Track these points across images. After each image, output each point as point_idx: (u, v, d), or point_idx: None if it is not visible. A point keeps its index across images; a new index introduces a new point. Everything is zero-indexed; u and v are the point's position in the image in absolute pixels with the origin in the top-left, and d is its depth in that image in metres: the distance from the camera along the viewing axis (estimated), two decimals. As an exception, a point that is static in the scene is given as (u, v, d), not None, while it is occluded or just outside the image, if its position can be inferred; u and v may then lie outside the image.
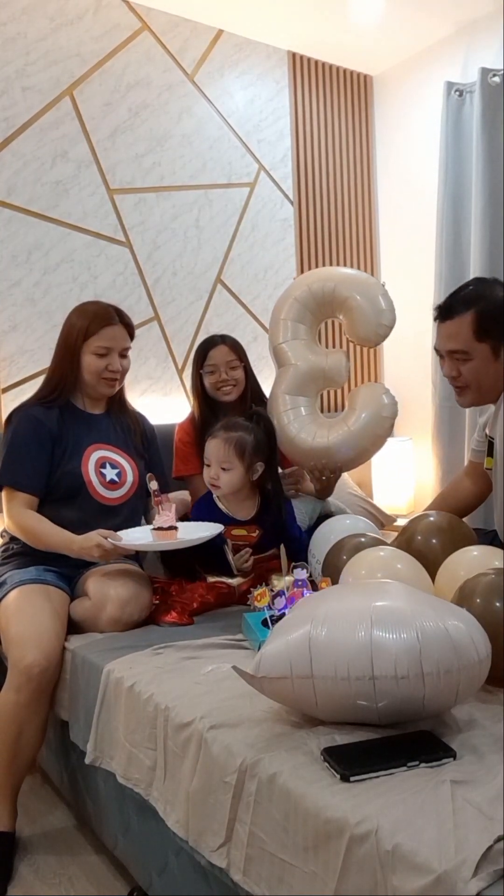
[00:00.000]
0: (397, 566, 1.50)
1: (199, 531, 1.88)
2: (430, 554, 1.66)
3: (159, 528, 1.84)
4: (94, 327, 1.98)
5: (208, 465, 1.97)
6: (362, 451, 2.30)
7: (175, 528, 1.84)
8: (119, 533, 1.87)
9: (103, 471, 2.00)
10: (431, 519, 1.80)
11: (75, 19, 2.75)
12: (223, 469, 1.93)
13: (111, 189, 2.85)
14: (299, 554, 2.02)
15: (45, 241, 2.70)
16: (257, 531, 2.00)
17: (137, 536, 1.91)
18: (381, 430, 2.29)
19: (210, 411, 2.35)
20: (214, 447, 1.94)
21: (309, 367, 2.31)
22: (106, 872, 1.66)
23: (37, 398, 2.03)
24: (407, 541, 1.76)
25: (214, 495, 2.02)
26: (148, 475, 1.94)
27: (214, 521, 1.96)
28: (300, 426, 2.29)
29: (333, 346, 3.41)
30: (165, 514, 1.85)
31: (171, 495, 2.08)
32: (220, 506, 2.02)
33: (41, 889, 1.60)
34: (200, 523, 1.95)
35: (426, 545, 1.71)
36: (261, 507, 2.03)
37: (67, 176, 2.74)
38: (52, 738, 1.84)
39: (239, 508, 2.01)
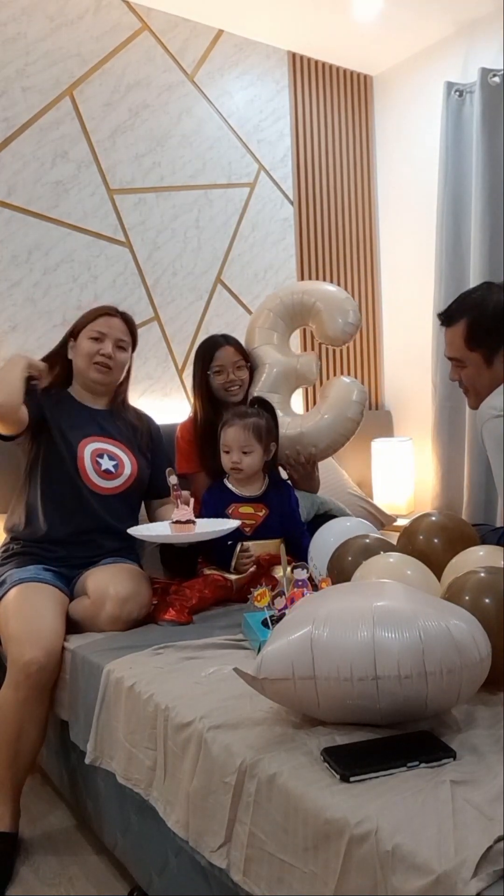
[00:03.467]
0: (407, 572, 1.50)
1: (216, 526, 1.91)
2: (432, 554, 1.66)
3: (177, 522, 1.85)
4: (92, 316, 2.08)
5: (227, 452, 2.07)
6: (337, 436, 2.43)
7: (193, 522, 1.85)
8: (140, 527, 1.94)
9: (100, 460, 2.01)
10: (433, 518, 1.79)
11: (75, 19, 2.75)
12: (244, 453, 2.05)
13: (111, 189, 2.85)
14: (301, 539, 2.09)
15: (45, 241, 2.70)
16: (264, 510, 2.09)
17: (157, 531, 1.93)
18: (353, 413, 2.43)
19: (213, 411, 2.36)
20: (234, 433, 2.05)
21: (281, 367, 2.47)
22: (106, 873, 1.66)
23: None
24: (409, 540, 1.76)
25: (225, 478, 2.12)
26: (167, 470, 1.94)
27: (225, 501, 2.08)
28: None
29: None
30: (183, 509, 1.86)
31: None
32: (230, 486, 2.11)
33: (41, 889, 1.60)
34: (216, 520, 1.99)
35: (428, 545, 1.71)
36: (268, 486, 2.14)
37: (67, 176, 2.74)
38: (52, 738, 1.84)
39: (248, 488, 2.11)
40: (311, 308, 2.48)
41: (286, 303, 2.53)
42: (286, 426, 2.38)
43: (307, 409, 3.21)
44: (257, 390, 2.41)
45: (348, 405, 2.43)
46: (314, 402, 3.32)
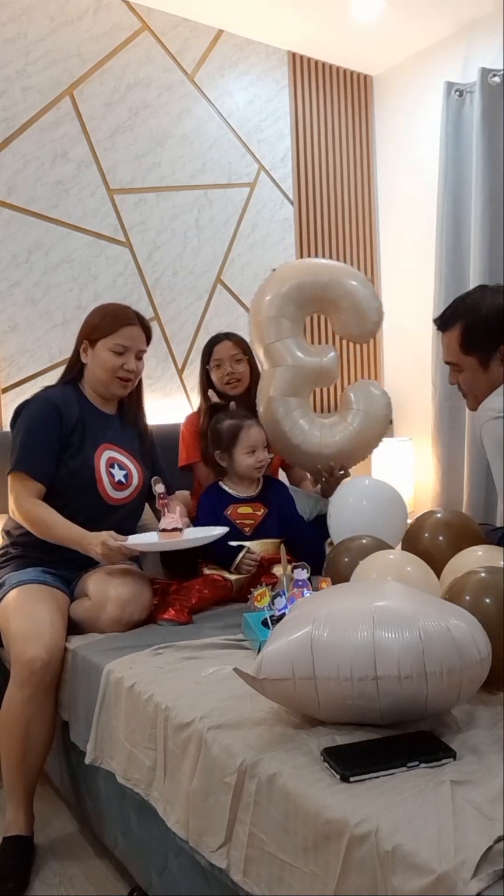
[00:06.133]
0: (407, 569, 1.50)
1: (203, 533, 1.90)
2: (436, 551, 1.66)
3: (164, 530, 1.85)
4: (115, 326, 1.98)
5: (251, 452, 2.07)
6: (366, 447, 2.36)
7: (180, 529, 1.85)
8: (131, 537, 1.88)
9: (112, 471, 2.00)
10: (438, 516, 1.80)
11: (75, 19, 2.75)
12: (265, 448, 2.11)
13: (111, 189, 2.85)
14: (304, 533, 2.11)
15: (45, 241, 2.70)
16: (262, 509, 2.09)
17: (146, 540, 1.92)
18: (381, 426, 2.35)
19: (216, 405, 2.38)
20: (258, 433, 2.10)
21: (304, 366, 2.28)
22: (106, 873, 1.66)
23: (59, 382, 2.07)
24: (414, 537, 1.77)
25: (219, 480, 2.13)
26: (154, 478, 1.94)
27: (223, 503, 2.07)
28: (301, 433, 2.27)
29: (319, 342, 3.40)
30: (170, 517, 1.86)
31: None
32: (226, 488, 2.12)
33: (41, 890, 1.60)
34: (204, 527, 1.98)
35: (433, 542, 1.71)
36: (263, 485, 2.15)
37: (67, 176, 2.74)
38: (53, 739, 1.84)
39: (245, 488, 2.12)
40: (334, 302, 2.28)
41: (304, 287, 2.26)
42: (318, 439, 2.26)
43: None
44: (273, 390, 2.27)
45: (378, 420, 2.32)
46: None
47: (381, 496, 2.03)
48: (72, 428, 1.95)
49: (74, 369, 2.06)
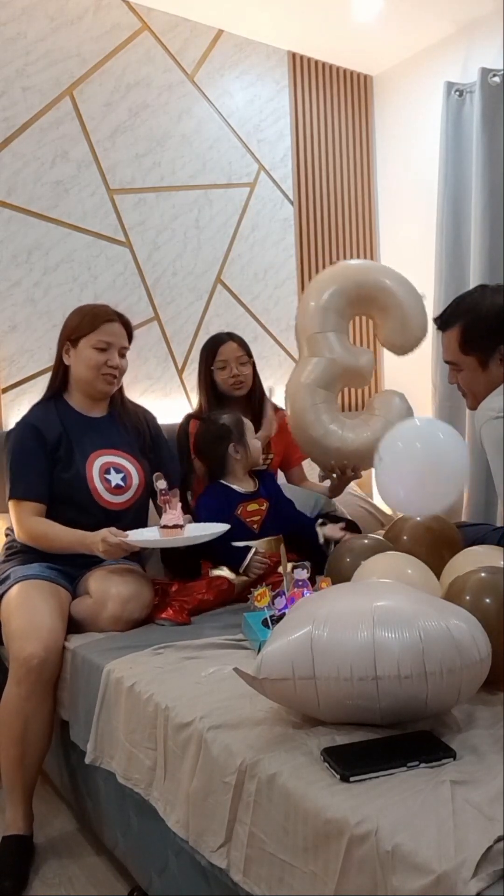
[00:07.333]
0: (407, 571, 1.50)
1: (204, 530, 1.90)
2: (416, 554, 1.66)
3: (165, 527, 1.84)
4: (95, 323, 2.00)
5: (257, 436, 2.21)
6: None
7: (181, 526, 1.85)
8: (131, 532, 1.88)
9: (108, 476, 1.99)
10: (418, 519, 1.80)
11: (75, 19, 2.75)
12: None
13: (111, 189, 2.85)
14: (300, 515, 2.19)
15: (45, 241, 2.70)
16: (265, 503, 2.14)
17: (146, 536, 1.92)
18: None
19: (219, 406, 2.37)
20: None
21: (340, 362, 2.28)
22: (106, 873, 1.66)
23: (43, 398, 2.08)
24: (392, 540, 1.77)
25: (222, 479, 2.15)
26: (155, 475, 1.94)
27: (232, 503, 2.08)
28: (322, 426, 2.28)
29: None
30: (171, 513, 1.86)
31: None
32: (232, 485, 2.14)
33: (41, 889, 1.60)
34: (206, 524, 1.97)
35: (412, 546, 1.72)
36: (259, 479, 2.20)
37: (67, 176, 2.74)
38: (52, 738, 1.84)
39: (247, 484, 2.17)
40: (384, 308, 2.27)
41: (361, 285, 2.27)
42: (341, 437, 2.27)
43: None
44: (305, 377, 2.27)
45: None
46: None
47: (437, 442, 1.75)
48: (55, 443, 1.96)
49: (58, 379, 2.06)
